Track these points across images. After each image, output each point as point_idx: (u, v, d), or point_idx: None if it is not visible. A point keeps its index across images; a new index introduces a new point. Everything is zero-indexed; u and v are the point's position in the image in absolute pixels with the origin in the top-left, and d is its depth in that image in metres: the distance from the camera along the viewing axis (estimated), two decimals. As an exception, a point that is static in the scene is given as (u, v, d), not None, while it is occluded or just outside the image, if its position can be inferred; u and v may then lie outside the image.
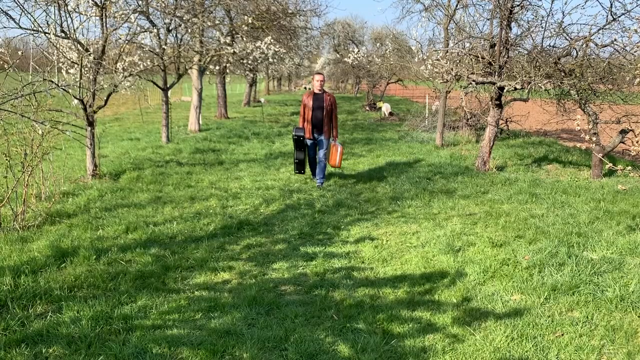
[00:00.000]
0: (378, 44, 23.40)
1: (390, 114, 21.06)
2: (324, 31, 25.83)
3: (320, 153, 7.82)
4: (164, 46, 10.77)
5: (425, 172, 8.98)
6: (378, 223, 6.02)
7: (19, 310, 3.60)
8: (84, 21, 7.60)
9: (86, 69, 7.71)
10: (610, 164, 4.98)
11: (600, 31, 7.68)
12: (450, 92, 12.56)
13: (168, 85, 11.72)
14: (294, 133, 7.79)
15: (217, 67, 13.80)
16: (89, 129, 7.83)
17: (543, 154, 10.94)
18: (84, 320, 3.43)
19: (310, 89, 9.28)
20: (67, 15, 7.23)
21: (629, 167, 4.85)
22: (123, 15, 8.56)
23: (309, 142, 7.85)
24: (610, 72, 7.96)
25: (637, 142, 5.45)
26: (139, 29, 9.38)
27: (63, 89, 5.96)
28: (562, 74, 8.10)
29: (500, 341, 3.29)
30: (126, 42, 8.83)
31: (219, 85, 19.17)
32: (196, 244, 5.15)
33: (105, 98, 8.26)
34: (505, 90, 8.79)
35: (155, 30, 10.49)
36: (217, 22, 12.40)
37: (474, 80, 8.87)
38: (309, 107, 7.68)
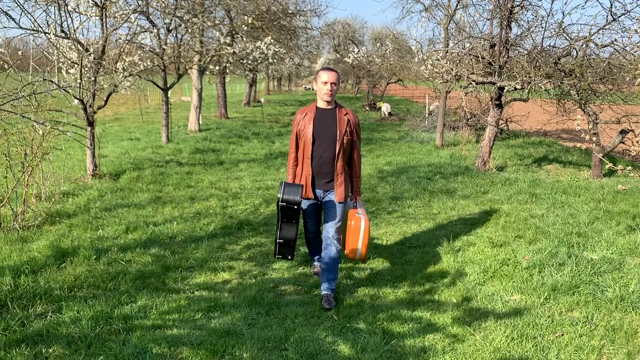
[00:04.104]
0: (378, 44, 23.43)
1: (390, 114, 21.07)
2: (324, 31, 25.87)
3: (330, 228, 3.99)
4: (164, 46, 10.77)
5: (425, 172, 8.98)
6: (378, 223, 6.01)
7: (19, 310, 3.60)
8: (84, 21, 7.60)
9: (86, 69, 7.71)
10: (610, 164, 4.98)
11: (600, 31, 7.68)
12: (450, 92, 12.56)
13: (168, 85, 11.72)
14: (280, 195, 3.79)
15: (217, 67, 13.80)
16: (89, 129, 7.83)
17: (543, 154, 10.94)
18: (84, 320, 3.42)
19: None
20: (67, 15, 7.23)
21: (629, 167, 4.86)
22: (123, 15, 8.56)
23: (306, 204, 4.07)
24: (610, 72, 7.96)
25: (637, 142, 5.46)
26: (139, 29, 9.38)
27: (63, 89, 5.95)
28: (562, 74, 8.10)
29: (500, 341, 3.29)
30: (126, 42, 8.83)
31: (219, 85, 19.18)
32: (196, 244, 5.15)
33: (105, 98, 8.26)
34: (505, 90, 8.79)
35: (155, 30, 10.50)
36: (217, 22, 12.40)
37: (474, 80, 8.87)
38: (308, 136, 3.92)
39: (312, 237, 4.34)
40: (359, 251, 4.04)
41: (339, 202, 3.98)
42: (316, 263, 4.53)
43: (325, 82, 3.88)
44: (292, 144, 4.08)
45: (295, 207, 3.79)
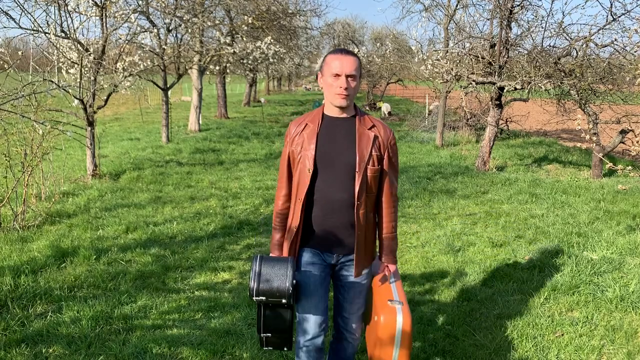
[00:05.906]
0: (378, 44, 23.46)
1: (390, 114, 21.08)
2: (324, 31, 25.88)
3: (347, 319, 2.46)
4: (164, 46, 10.78)
5: (425, 172, 8.99)
6: (378, 223, 6.01)
7: (19, 310, 3.60)
8: (84, 21, 7.61)
9: (86, 69, 7.71)
10: (610, 164, 4.98)
11: (600, 31, 7.69)
12: (450, 92, 12.57)
13: (168, 85, 11.72)
14: (253, 283, 2.18)
15: (217, 67, 13.81)
16: (89, 129, 7.83)
17: (543, 154, 10.94)
18: (84, 320, 3.42)
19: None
20: (67, 15, 7.23)
21: (629, 167, 4.86)
22: (123, 15, 8.57)
23: (307, 274, 2.34)
24: (610, 72, 7.97)
25: (637, 142, 5.46)
26: (139, 29, 9.39)
27: (63, 89, 5.96)
28: (562, 74, 8.11)
29: (500, 341, 3.29)
30: (126, 42, 8.83)
31: (219, 85, 19.19)
32: (196, 243, 5.15)
33: (105, 98, 8.27)
34: (505, 90, 8.80)
35: (155, 30, 10.50)
36: (217, 22, 12.41)
37: (474, 80, 8.87)
38: (306, 164, 2.27)
39: (310, 351, 2.34)
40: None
41: (364, 270, 2.38)
42: None
43: (338, 75, 2.20)
44: (283, 173, 2.42)
45: (283, 300, 2.20)
